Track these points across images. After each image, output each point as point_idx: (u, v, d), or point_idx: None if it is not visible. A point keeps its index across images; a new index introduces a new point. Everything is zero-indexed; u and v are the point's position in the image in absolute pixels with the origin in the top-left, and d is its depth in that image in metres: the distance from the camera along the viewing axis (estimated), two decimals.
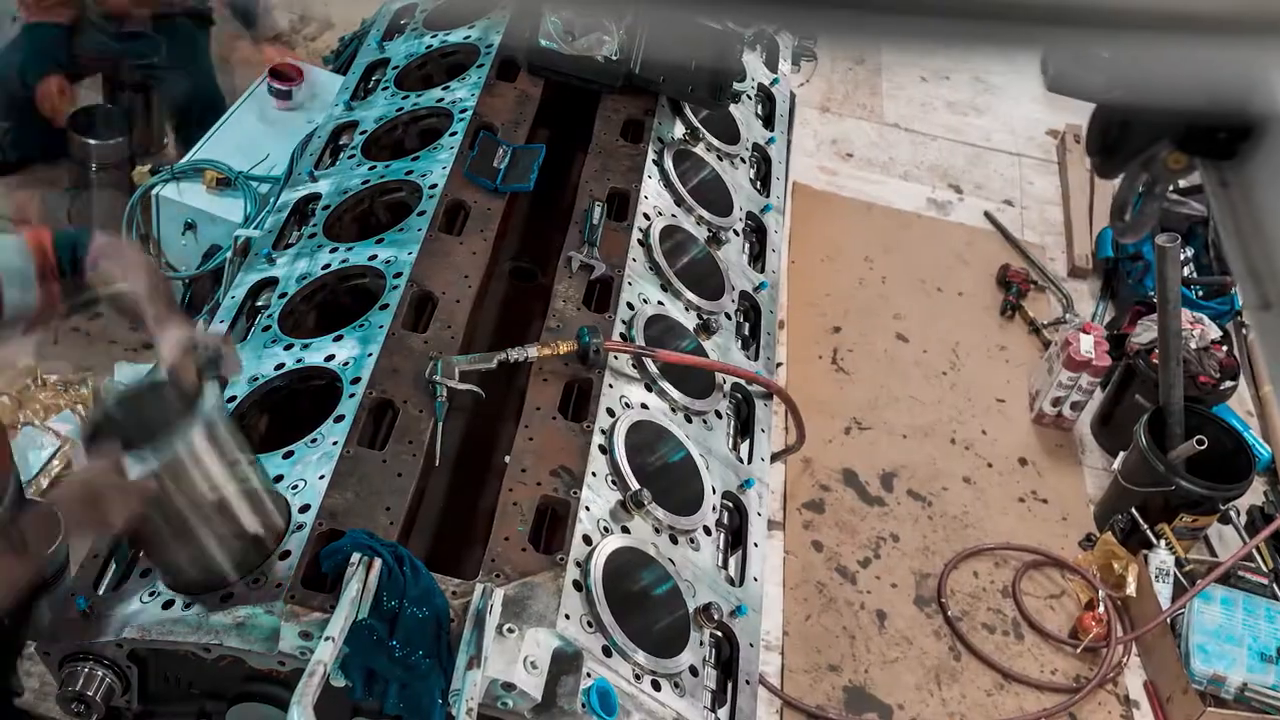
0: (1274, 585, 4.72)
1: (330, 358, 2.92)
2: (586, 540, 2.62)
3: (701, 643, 2.67)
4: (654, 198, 3.58)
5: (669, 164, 3.70)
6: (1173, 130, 1.52)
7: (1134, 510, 4.85)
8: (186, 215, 4.25)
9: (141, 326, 2.40)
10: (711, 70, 3.79)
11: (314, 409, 2.83)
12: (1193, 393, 5.07)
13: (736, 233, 3.78)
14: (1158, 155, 1.56)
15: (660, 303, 3.31)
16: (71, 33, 5.08)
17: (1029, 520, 5.13)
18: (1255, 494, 5.11)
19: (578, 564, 2.56)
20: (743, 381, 3.36)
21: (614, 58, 3.68)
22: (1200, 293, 5.82)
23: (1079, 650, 4.65)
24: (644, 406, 3.02)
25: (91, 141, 4.89)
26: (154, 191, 4.43)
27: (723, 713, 2.68)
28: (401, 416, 2.77)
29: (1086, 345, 5.27)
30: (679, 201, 3.66)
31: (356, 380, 2.83)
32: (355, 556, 2.36)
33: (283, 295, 3.17)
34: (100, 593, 2.54)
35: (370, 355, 2.89)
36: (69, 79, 5.08)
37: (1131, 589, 4.72)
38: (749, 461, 3.25)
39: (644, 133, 3.75)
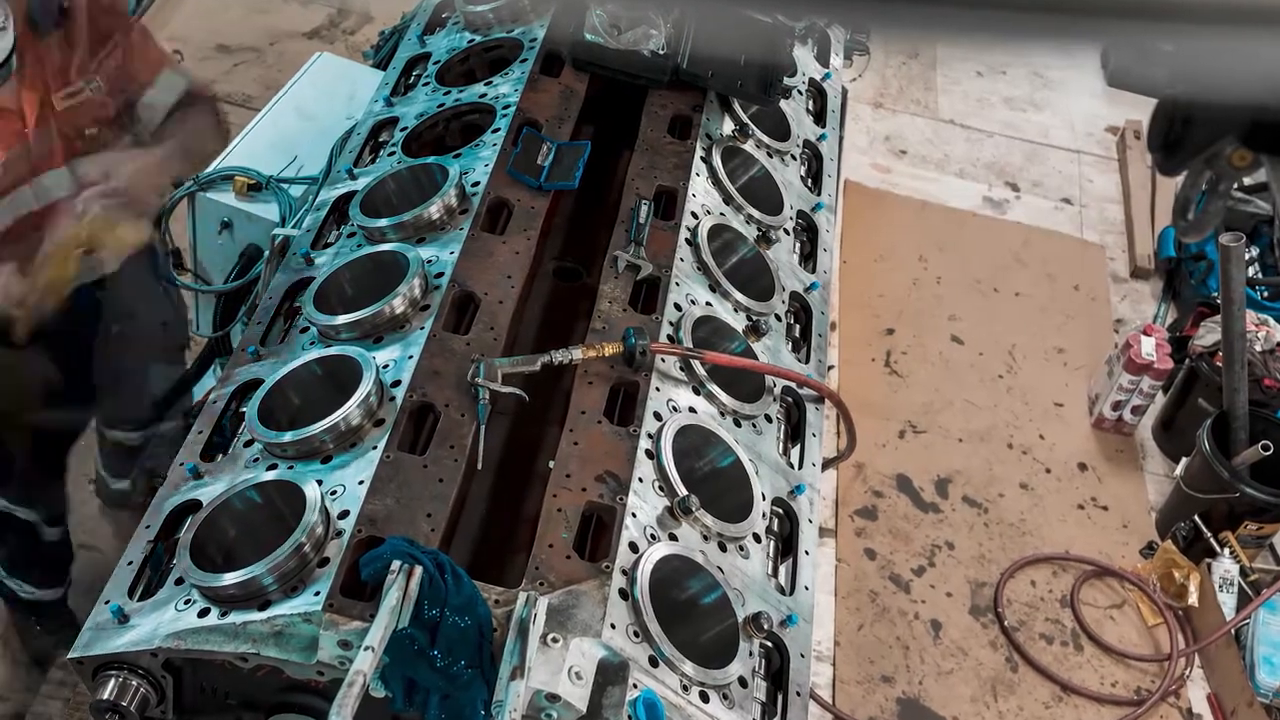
0: None
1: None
2: (633, 547, 2.56)
3: (751, 653, 2.60)
4: (702, 196, 3.52)
5: (717, 161, 3.64)
6: (1237, 126, 1.49)
7: (1197, 518, 4.76)
8: (223, 214, 4.24)
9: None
10: (761, 65, 3.72)
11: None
12: (1257, 396, 4.97)
13: (787, 232, 3.71)
14: (1222, 152, 1.54)
15: (708, 303, 3.25)
16: None
17: (1088, 528, 5.03)
18: None
19: (624, 572, 2.50)
20: (793, 385, 3.29)
21: (661, 52, 3.62)
22: (1265, 293, 5.73)
23: (1140, 662, 4.56)
24: (692, 410, 2.96)
25: None
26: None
27: None
28: (443, 420, 2.73)
29: (1148, 348, 5.17)
30: (728, 200, 3.60)
31: (397, 383, 2.79)
32: (395, 564, 2.32)
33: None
34: (135, 600, 2.52)
35: (411, 358, 2.84)
36: None
37: (1194, 599, 4.62)
38: (799, 467, 3.18)
39: (692, 129, 3.69)
